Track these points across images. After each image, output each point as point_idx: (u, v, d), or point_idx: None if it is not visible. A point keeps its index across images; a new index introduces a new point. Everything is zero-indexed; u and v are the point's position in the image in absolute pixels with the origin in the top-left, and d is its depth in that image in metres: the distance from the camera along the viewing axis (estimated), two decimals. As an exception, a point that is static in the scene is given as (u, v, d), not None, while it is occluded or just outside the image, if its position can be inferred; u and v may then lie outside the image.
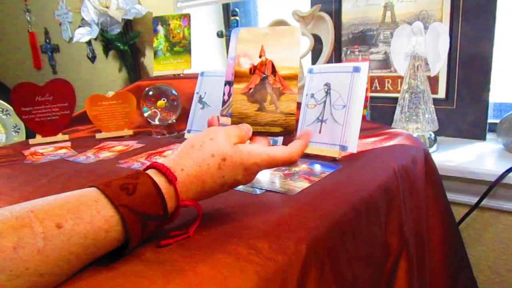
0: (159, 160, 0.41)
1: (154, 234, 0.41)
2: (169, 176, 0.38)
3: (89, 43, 1.80)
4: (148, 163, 0.41)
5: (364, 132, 0.82)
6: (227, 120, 0.57)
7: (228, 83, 0.57)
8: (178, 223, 0.43)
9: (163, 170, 0.39)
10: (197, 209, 0.41)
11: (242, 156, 0.42)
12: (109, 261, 0.36)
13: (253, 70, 0.49)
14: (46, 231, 0.31)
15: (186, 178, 0.39)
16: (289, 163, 0.45)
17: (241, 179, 0.43)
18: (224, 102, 0.57)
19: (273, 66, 0.49)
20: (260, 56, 0.49)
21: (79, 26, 1.57)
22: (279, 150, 0.45)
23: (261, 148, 0.44)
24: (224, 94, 0.57)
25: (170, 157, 0.41)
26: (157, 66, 1.27)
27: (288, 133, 0.48)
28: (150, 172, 0.39)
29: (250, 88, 0.49)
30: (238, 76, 0.50)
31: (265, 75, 0.49)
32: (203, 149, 0.41)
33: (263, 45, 0.49)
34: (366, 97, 1.02)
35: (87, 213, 0.33)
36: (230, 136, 0.43)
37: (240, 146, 0.43)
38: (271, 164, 0.44)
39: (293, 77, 0.48)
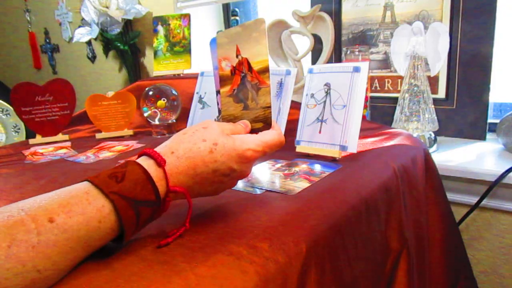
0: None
1: (153, 234, 0.41)
2: (158, 159, 0.38)
3: (89, 43, 1.80)
4: (137, 155, 0.42)
5: (364, 132, 0.82)
6: None
7: (219, 92, 0.58)
8: (177, 223, 0.43)
9: (152, 154, 0.39)
10: (185, 196, 0.40)
11: (235, 142, 0.42)
12: (109, 261, 0.36)
13: (234, 71, 0.50)
14: (39, 227, 0.31)
15: (176, 160, 0.39)
16: (281, 145, 0.46)
17: (236, 168, 0.42)
18: (219, 111, 0.59)
19: (248, 63, 0.49)
20: (237, 56, 0.50)
21: (79, 26, 1.57)
22: (270, 135, 0.45)
23: (253, 136, 0.44)
24: (218, 103, 0.58)
25: (162, 144, 0.42)
26: (157, 66, 1.27)
27: (268, 126, 0.49)
28: (141, 159, 0.39)
29: (234, 90, 0.51)
30: (223, 80, 0.51)
31: (244, 74, 0.50)
32: (195, 135, 0.41)
33: (237, 45, 0.50)
34: (366, 97, 1.02)
35: (78, 205, 0.33)
36: (224, 128, 0.43)
37: (233, 135, 0.43)
38: (265, 148, 0.44)
39: (265, 70, 0.49)
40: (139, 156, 0.40)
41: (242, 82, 0.50)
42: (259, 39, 0.49)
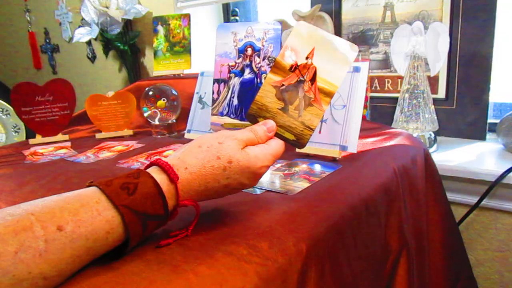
0: (164, 158, 0.41)
1: (154, 234, 0.41)
2: (171, 174, 0.38)
3: (89, 43, 1.80)
4: (148, 163, 0.41)
5: (364, 132, 0.82)
6: (218, 119, 0.56)
7: (217, 81, 0.56)
8: (178, 223, 0.43)
9: (166, 168, 0.38)
10: (195, 208, 0.41)
11: (249, 160, 0.41)
12: (109, 261, 0.36)
13: (294, 68, 0.47)
14: (47, 234, 0.31)
15: (189, 177, 0.39)
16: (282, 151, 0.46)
17: (247, 183, 0.42)
18: (214, 101, 0.56)
19: (315, 73, 0.46)
20: (307, 58, 0.47)
21: (79, 26, 1.57)
22: (278, 146, 0.45)
23: (266, 150, 0.44)
24: (213, 92, 0.56)
25: (175, 154, 0.41)
26: (157, 66, 1.27)
27: (298, 145, 0.46)
28: (153, 169, 0.39)
29: (283, 85, 0.47)
30: (277, 67, 0.47)
31: (302, 79, 0.46)
32: (210, 150, 0.40)
33: (314, 48, 0.46)
34: (366, 97, 1.02)
35: (88, 215, 0.33)
36: (239, 142, 0.42)
37: (247, 149, 0.42)
38: (275, 159, 0.44)
39: (329, 94, 0.46)
40: (151, 165, 0.40)
41: (295, 84, 0.46)
42: (342, 64, 0.46)
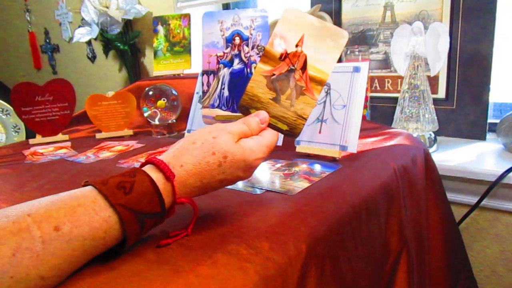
0: (158, 156, 0.41)
1: (154, 235, 0.41)
2: (167, 173, 0.38)
3: (89, 43, 1.80)
4: (143, 162, 0.41)
5: (364, 132, 0.82)
6: (209, 111, 0.55)
7: (206, 73, 0.55)
8: (178, 223, 0.43)
9: (161, 167, 0.38)
10: (192, 206, 0.41)
11: (244, 153, 0.41)
12: (109, 261, 0.36)
13: (284, 56, 0.46)
14: (44, 235, 0.30)
15: (185, 174, 0.39)
16: (275, 143, 0.46)
17: (242, 175, 0.42)
18: (204, 93, 0.55)
19: (305, 61, 0.45)
20: (296, 46, 0.45)
21: (79, 26, 1.58)
22: (272, 137, 0.45)
23: (260, 142, 0.43)
24: (203, 84, 0.55)
25: (169, 152, 0.41)
26: (157, 66, 1.27)
27: (292, 135, 0.46)
28: (148, 168, 0.39)
29: (274, 74, 0.46)
30: (266, 56, 0.46)
31: (293, 68, 0.45)
32: (205, 146, 0.40)
33: (304, 35, 0.45)
34: (366, 97, 1.02)
35: (85, 214, 0.33)
36: (233, 135, 0.42)
37: (242, 142, 0.42)
38: (269, 151, 0.44)
39: (320, 82, 0.45)
40: (146, 163, 0.40)
41: (286, 73, 0.45)
42: (332, 51, 0.45)
